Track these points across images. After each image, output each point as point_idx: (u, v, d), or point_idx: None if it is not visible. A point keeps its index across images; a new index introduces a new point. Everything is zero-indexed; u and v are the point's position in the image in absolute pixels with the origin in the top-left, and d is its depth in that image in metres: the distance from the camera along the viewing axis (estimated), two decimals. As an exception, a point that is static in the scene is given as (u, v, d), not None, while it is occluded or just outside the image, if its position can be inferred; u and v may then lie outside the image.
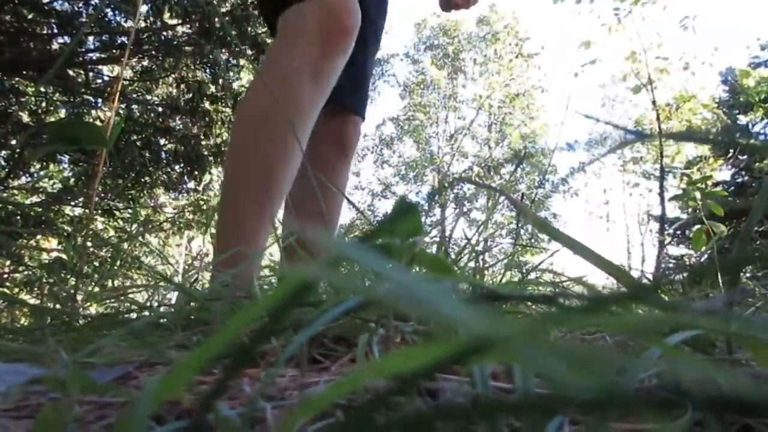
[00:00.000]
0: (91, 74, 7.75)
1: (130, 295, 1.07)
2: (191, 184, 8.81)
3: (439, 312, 0.14)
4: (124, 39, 7.14)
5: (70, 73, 7.26)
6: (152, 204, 9.34)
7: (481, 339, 0.14)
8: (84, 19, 6.62)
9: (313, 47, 1.14)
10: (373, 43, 1.59)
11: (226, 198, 1.21)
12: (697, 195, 1.99)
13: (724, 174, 13.18)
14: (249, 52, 7.41)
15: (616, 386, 0.12)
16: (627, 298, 0.21)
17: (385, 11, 1.64)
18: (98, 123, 7.16)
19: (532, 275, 1.14)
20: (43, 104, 7.30)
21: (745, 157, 12.47)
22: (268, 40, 7.42)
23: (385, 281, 0.17)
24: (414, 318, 0.55)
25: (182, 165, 8.03)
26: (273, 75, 1.13)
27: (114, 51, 7.30)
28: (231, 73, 8.06)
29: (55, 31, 6.90)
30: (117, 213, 8.23)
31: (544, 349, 0.13)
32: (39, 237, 7.44)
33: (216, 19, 6.55)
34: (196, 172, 8.02)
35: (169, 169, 8.21)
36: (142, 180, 7.73)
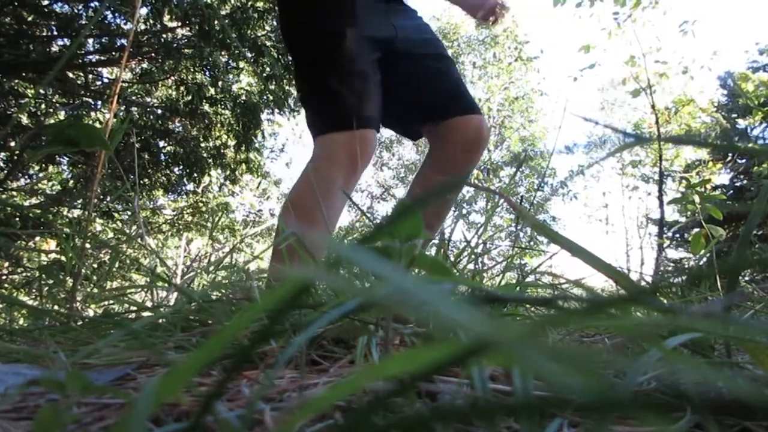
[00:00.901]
0: (90, 76, 7.75)
1: (129, 297, 1.07)
2: (190, 186, 8.81)
3: (437, 314, 0.14)
4: (123, 41, 7.15)
5: (70, 75, 7.27)
6: (151, 205, 9.34)
7: (480, 341, 0.14)
8: (83, 21, 6.63)
9: (343, 167, 1.58)
10: (437, 60, 1.88)
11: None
12: (696, 198, 1.99)
13: (723, 178, 13.21)
14: (248, 54, 7.42)
15: (614, 389, 0.12)
16: (625, 301, 0.21)
17: (426, 31, 1.94)
18: (97, 125, 7.17)
19: (531, 277, 1.14)
20: (43, 106, 7.31)
21: (744, 160, 12.48)
22: (268, 43, 7.43)
23: (384, 283, 0.17)
24: (413, 320, 0.55)
25: (181, 167, 8.04)
26: (318, 178, 1.56)
27: (113, 53, 7.30)
28: (230, 76, 8.07)
29: (55, 33, 6.91)
30: (116, 215, 8.23)
31: (541, 351, 0.13)
32: (38, 238, 7.43)
33: (216, 22, 6.56)
34: (195, 175, 8.02)
35: (168, 171, 8.21)
36: (141, 182, 7.73)
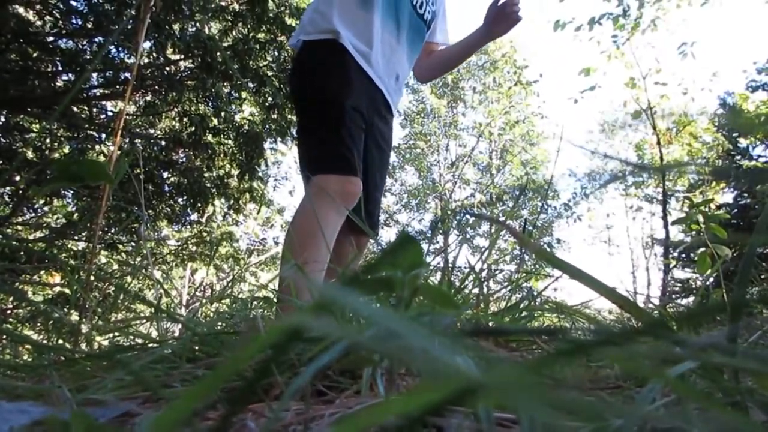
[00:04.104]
0: (94, 110, 7.83)
1: (134, 329, 1.07)
2: (194, 216, 8.83)
3: (427, 359, 0.14)
4: (127, 75, 7.24)
5: (74, 109, 7.35)
6: (156, 236, 9.35)
7: (476, 385, 0.14)
8: (88, 57, 6.72)
9: (335, 203, 1.87)
10: (381, 171, 2.34)
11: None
12: (700, 218, 1.99)
13: (726, 196, 13.17)
14: (251, 84, 7.50)
15: (614, 431, 0.12)
16: (633, 335, 0.21)
17: (389, 145, 2.40)
18: (102, 158, 7.22)
19: (537, 301, 1.13)
20: (48, 140, 7.37)
21: (746, 180, 12.45)
22: (269, 73, 7.52)
23: (374, 325, 0.17)
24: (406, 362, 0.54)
25: (185, 197, 8.07)
26: (316, 208, 1.88)
27: (117, 87, 7.38)
28: (233, 106, 8.15)
29: (59, 68, 7.00)
30: (120, 246, 8.24)
31: (538, 394, 0.13)
32: (42, 272, 7.44)
33: (218, 54, 6.64)
34: (199, 205, 8.04)
35: (172, 202, 8.24)
36: (147, 213, 7.75)
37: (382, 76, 2.22)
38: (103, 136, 7.75)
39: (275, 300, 1.38)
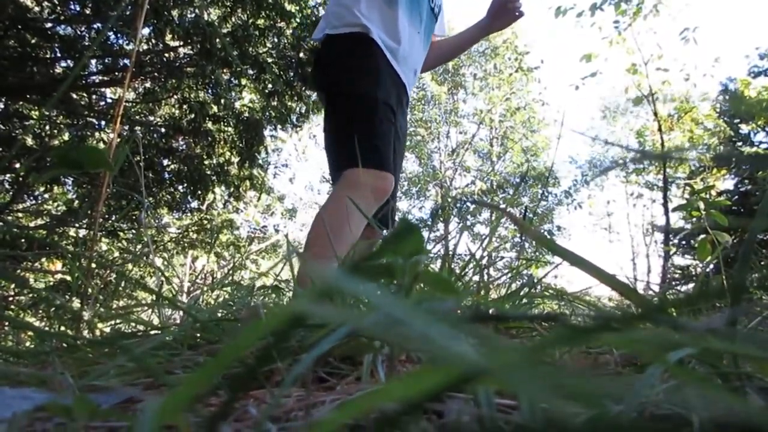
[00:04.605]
0: (94, 97, 7.81)
1: (136, 316, 1.07)
2: (194, 204, 8.83)
3: (428, 343, 0.14)
4: (126, 61, 7.21)
5: (74, 96, 7.32)
6: (156, 224, 9.35)
7: (479, 368, 0.14)
8: (86, 43, 6.69)
9: (367, 198, 1.90)
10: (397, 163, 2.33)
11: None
12: (701, 205, 1.98)
13: (727, 183, 13.15)
14: (250, 71, 7.46)
15: (616, 413, 0.12)
16: (633, 320, 0.21)
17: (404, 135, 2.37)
18: (101, 145, 7.20)
19: (537, 288, 1.13)
20: (47, 128, 7.35)
21: (748, 166, 12.44)
22: (269, 60, 7.48)
23: (375, 311, 0.17)
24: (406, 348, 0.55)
25: (185, 185, 8.06)
26: (346, 202, 1.88)
27: (116, 73, 7.36)
28: (233, 93, 8.11)
29: (58, 55, 6.97)
30: (121, 233, 8.25)
31: (540, 378, 0.13)
32: (43, 259, 7.45)
33: (217, 40, 6.61)
34: (199, 192, 8.03)
35: (172, 189, 8.24)
36: (147, 200, 7.73)
37: (405, 72, 2.23)
38: (103, 123, 7.73)
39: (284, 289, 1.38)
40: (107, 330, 1.38)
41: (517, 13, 2.42)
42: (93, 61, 7.26)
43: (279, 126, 8.40)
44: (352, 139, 1.97)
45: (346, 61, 2.11)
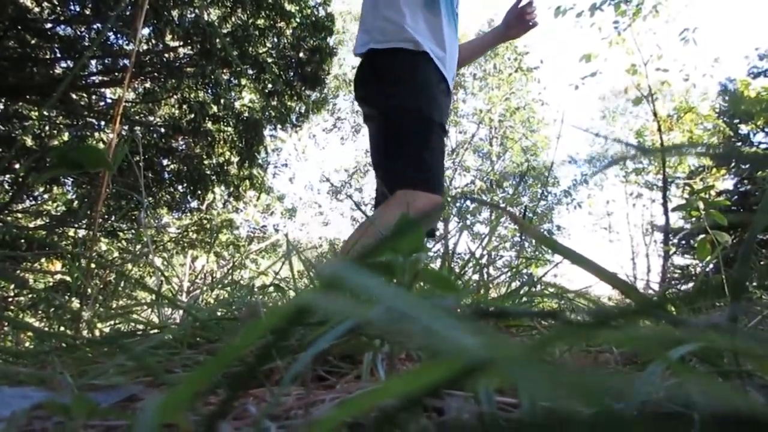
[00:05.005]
0: (93, 97, 7.80)
1: (135, 315, 1.07)
2: (194, 204, 8.82)
3: (432, 337, 0.14)
4: (126, 61, 7.21)
5: (73, 96, 7.32)
6: (156, 224, 9.35)
7: (480, 362, 0.14)
8: (86, 43, 6.68)
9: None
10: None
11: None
12: (700, 205, 1.98)
13: (727, 183, 13.15)
14: (250, 71, 7.46)
15: (617, 408, 0.12)
16: (632, 314, 0.21)
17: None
18: (101, 145, 7.20)
19: (537, 287, 1.13)
20: (47, 128, 7.35)
21: (747, 166, 12.43)
22: (269, 60, 7.48)
23: (379, 305, 0.17)
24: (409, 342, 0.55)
25: (185, 185, 8.06)
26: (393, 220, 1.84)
27: (116, 74, 7.35)
28: (232, 93, 8.11)
29: (58, 55, 6.97)
30: (120, 233, 8.24)
31: (542, 372, 0.13)
32: (43, 260, 7.45)
33: (217, 40, 6.61)
34: (199, 192, 8.03)
35: (172, 189, 8.23)
36: (147, 200, 7.73)
37: (450, 77, 2.22)
38: (102, 123, 7.73)
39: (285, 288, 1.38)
40: (107, 330, 1.38)
41: (531, 23, 2.44)
42: (93, 62, 7.26)
43: (279, 126, 8.40)
44: (409, 158, 1.98)
45: (399, 79, 2.07)
